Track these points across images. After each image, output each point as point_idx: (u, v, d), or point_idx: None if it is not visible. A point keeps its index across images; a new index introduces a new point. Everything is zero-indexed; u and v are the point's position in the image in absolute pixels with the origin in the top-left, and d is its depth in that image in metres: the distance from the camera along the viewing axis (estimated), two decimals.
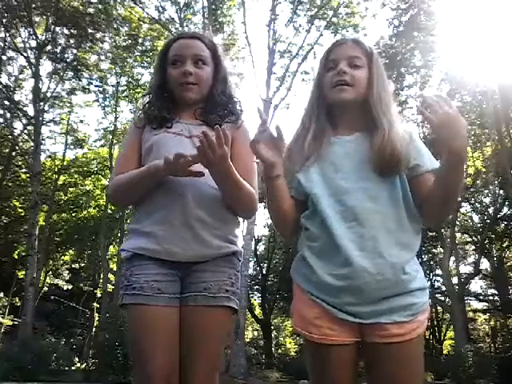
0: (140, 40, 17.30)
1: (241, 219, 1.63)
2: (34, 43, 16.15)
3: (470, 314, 23.18)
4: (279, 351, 24.48)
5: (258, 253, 23.47)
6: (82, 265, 23.47)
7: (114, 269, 20.57)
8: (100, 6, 15.89)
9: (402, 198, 1.33)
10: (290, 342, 26.26)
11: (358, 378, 1.35)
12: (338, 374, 1.33)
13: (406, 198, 1.34)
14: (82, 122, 20.38)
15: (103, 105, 19.76)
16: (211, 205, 1.49)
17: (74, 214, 21.47)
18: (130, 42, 17.16)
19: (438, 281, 22.90)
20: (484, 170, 17.00)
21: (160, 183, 1.48)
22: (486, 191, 19.55)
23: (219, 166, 1.40)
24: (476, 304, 24.01)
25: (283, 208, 1.40)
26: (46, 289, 21.28)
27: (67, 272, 23.69)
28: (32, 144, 16.27)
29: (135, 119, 1.70)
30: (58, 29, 16.41)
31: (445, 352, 20.46)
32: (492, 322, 23.02)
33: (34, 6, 15.62)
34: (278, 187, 1.38)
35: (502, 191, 17.83)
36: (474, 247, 21.55)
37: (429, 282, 22.40)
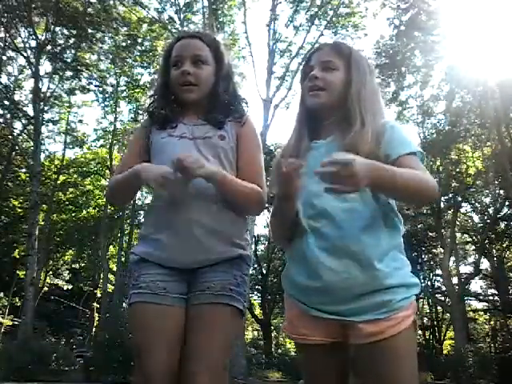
0: (139, 40, 17.28)
1: (249, 220, 1.64)
2: (33, 43, 16.16)
3: (470, 314, 23.17)
4: (279, 351, 24.43)
5: (257, 253, 23.49)
6: (82, 265, 23.46)
7: (114, 269, 20.57)
8: (99, 6, 15.87)
9: (372, 195, 1.30)
10: (289, 342, 26.18)
11: (347, 377, 1.33)
12: (319, 373, 1.33)
13: (378, 195, 1.31)
14: (80, 121, 20.42)
15: (103, 105, 19.79)
16: (215, 209, 1.49)
17: (73, 214, 21.47)
18: (129, 42, 17.14)
19: (438, 281, 22.94)
20: (484, 169, 16.98)
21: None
22: (486, 191, 19.52)
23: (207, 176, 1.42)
24: (476, 304, 24.05)
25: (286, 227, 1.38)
26: (46, 289, 21.25)
27: (67, 272, 23.70)
28: (32, 144, 16.27)
29: (142, 122, 1.74)
30: (57, 29, 16.41)
31: (445, 352, 20.45)
32: (492, 322, 23.03)
33: (33, 5, 15.59)
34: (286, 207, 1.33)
35: (502, 191, 17.82)
36: (474, 247, 21.56)
37: (429, 282, 22.44)
